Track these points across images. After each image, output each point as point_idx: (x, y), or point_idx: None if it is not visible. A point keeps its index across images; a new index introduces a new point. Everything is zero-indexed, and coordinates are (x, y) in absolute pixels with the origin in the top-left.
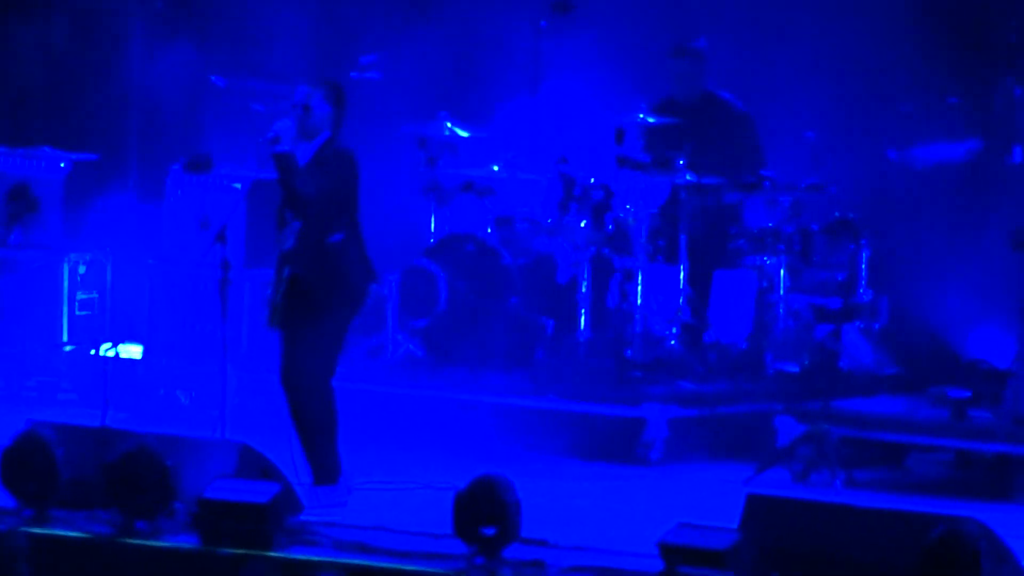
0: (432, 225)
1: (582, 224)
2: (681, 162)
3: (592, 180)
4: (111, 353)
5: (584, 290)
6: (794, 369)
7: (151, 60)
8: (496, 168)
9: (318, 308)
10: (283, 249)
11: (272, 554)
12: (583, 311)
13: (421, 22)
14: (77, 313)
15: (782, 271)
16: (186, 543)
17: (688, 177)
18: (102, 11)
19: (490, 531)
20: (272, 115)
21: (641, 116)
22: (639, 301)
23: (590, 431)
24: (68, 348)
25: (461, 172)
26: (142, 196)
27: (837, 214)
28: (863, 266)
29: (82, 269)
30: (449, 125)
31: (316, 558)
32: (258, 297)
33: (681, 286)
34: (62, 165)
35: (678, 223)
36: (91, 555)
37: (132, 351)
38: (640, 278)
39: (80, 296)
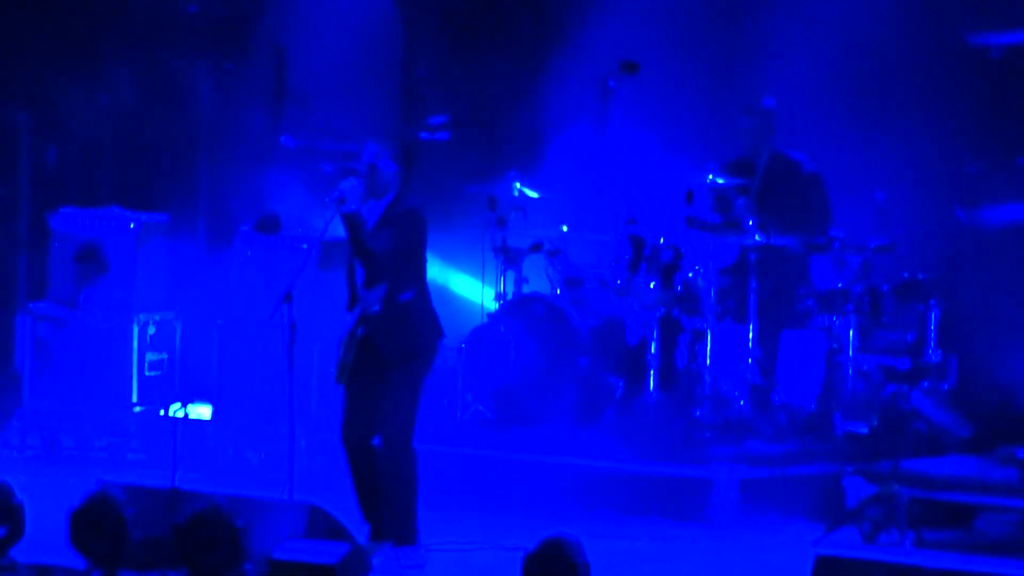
0: (502, 286)
1: (651, 285)
2: (750, 222)
3: (661, 240)
4: (180, 414)
5: (653, 351)
6: (863, 430)
7: (220, 120)
8: (565, 228)
9: (393, 367)
10: (355, 309)
11: None
12: (652, 372)
13: (489, 83)
14: (147, 373)
15: (851, 331)
16: None
17: (757, 237)
18: (172, 71)
19: None
20: (340, 176)
21: (710, 177)
22: (708, 362)
23: (660, 491)
24: (138, 409)
25: (530, 232)
26: (211, 256)
27: (906, 274)
28: (932, 326)
29: (152, 330)
30: (518, 186)
31: None
32: (328, 357)
33: (750, 346)
34: (132, 225)
35: (747, 283)
36: None
37: (201, 412)
38: (709, 338)
39: (150, 357)
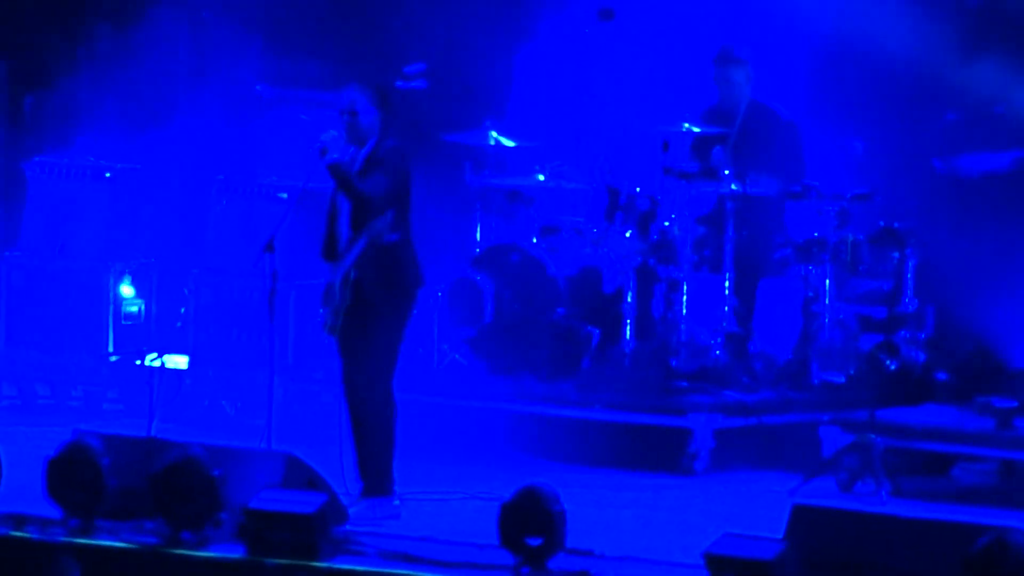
0: (478, 235)
1: (627, 234)
2: (727, 171)
3: (638, 189)
4: (157, 363)
5: (629, 300)
6: (840, 379)
7: (196, 69)
8: (541, 177)
9: (376, 313)
10: (351, 251)
11: (318, 564)
12: (628, 321)
13: (465, 31)
14: (123, 323)
15: (827, 280)
16: (232, 553)
17: (734, 187)
18: (147, 20)
19: (536, 541)
20: (318, 124)
21: (687, 126)
22: (684, 311)
23: (635, 441)
24: (114, 358)
25: (506, 181)
26: (187, 205)
27: (883, 223)
28: (909, 276)
29: (127, 279)
30: (494, 134)
31: (362, 568)
32: (304, 307)
33: (727, 295)
34: (107, 175)
35: (723, 232)
36: (137, 565)
37: (178, 361)
38: (685, 288)
39: (126, 306)
